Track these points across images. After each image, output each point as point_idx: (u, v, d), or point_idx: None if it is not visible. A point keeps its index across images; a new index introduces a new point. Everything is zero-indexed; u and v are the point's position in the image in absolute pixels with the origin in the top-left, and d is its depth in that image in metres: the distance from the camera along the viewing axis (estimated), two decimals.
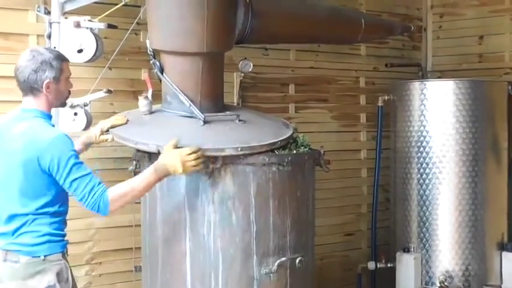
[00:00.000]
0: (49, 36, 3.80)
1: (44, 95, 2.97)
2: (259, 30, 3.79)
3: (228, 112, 3.66)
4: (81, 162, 2.93)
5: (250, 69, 4.13)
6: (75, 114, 3.85)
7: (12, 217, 2.94)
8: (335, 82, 5.45)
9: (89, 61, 3.83)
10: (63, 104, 3.20)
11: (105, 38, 4.14)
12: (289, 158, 3.48)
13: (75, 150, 2.95)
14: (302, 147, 3.64)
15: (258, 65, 4.95)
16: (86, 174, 2.90)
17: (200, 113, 3.45)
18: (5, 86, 3.96)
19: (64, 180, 2.89)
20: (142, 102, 3.59)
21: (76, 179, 2.88)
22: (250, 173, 3.39)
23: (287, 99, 5.17)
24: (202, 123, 3.44)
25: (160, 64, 3.57)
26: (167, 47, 3.55)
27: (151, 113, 3.60)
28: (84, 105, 3.87)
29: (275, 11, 3.94)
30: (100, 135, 3.45)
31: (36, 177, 2.91)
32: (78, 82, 4.15)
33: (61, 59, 3.03)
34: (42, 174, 2.90)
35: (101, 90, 3.93)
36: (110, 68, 4.34)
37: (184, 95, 3.49)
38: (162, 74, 3.56)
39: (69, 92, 3.14)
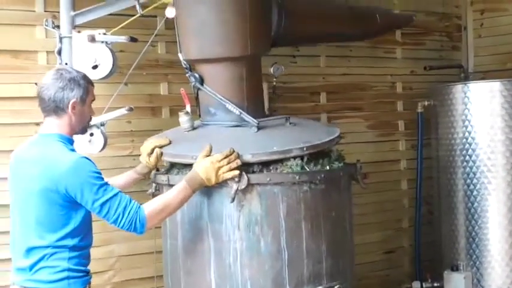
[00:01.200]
0: (59, 52, 3.53)
1: (68, 116, 2.76)
2: (292, 30, 3.55)
3: (279, 116, 3.42)
4: (107, 183, 2.70)
5: (282, 72, 3.84)
6: (91, 135, 3.57)
7: (30, 250, 2.70)
8: (370, 88, 5.09)
9: (104, 78, 3.55)
10: (84, 130, 2.96)
11: (121, 51, 3.89)
12: (322, 175, 3.14)
13: (99, 172, 2.71)
14: (336, 162, 3.29)
15: (286, 73, 4.59)
16: (115, 194, 2.69)
17: (253, 119, 3.21)
18: (14, 107, 3.74)
19: (92, 204, 2.65)
20: (184, 118, 3.34)
21: (106, 201, 2.66)
22: (279, 193, 3.06)
23: (318, 108, 4.83)
24: (256, 129, 3.20)
25: (199, 75, 3.32)
26: (208, 55, 3.31)
27: (193, 128, 3.35)
28: (101, 125, 3.59)
29: (305, 11, 3.68)
30: (151, 158, 3.21)
31: (54, 207, 2.66)
32: None
33: (88, 80, 2.84)
34: (62, 204, 2.66)
35: (118, 108, 3.66)
36: (126, 84, 4.08)
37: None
38: (202, 85, 3.31)
39: (91, 118, 2.94)
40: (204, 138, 3.20)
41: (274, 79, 3.89)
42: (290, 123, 3.30)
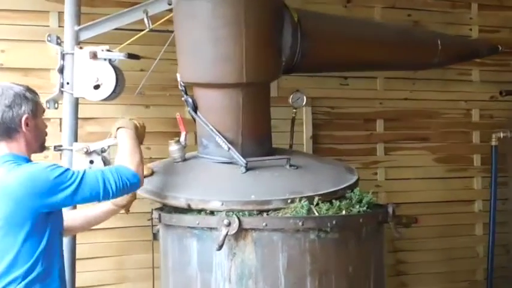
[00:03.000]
0: (61, 70, 3.20)
1: (22, 135, 2.43)
2: (313, 55, 2.99)
3: (276, 156, 2.90)
4: (68, 168, 2.40)
5: (303, 104, 3.33)
6: (91, 162, 3.18)
7: None
8: (438, 116, 4.40)
9: (107, 99, 3.17)
10: (43, 147, 2.60)
11: (141, 70, 3.52)
12: (334, 222, 2.57)
13: (53, 164, 2.39)
14: (357, 206, 2.70)
15: (335, 97, 4.11)
16: (84, 173, 2.39)
17: (241, 158, 2.76)
18: None
19: (72, 198, 2.35)
20: (173, 148, 3.00)
21: (81, 180, 2.35)
22: (278, 241, 2.55)
23: (374, 138, 4.22)
24: (243, 170, 2.75)
25: (193, 101, 2.92)
26: (199, 79, 2.88)
27: (184, 160, 2.96)
28: (102, 152, 3.22)
29: (331, 32, 3.09)
30: None
31: (17, 234, 2.31)
32: (102, 123, 3.62)
33: (33, 91, 2.53)
34: (27, 227, 2.30)
35: None
36: (146, 106, 3.72)
37: (223, 136, 2.83)
38: (196, 112, 2.90)
39: (47, 133, 2.58)
40: (185, 173, 2.79)
41: (294, 110, 3.35)
42: (291, 166, 2.79)
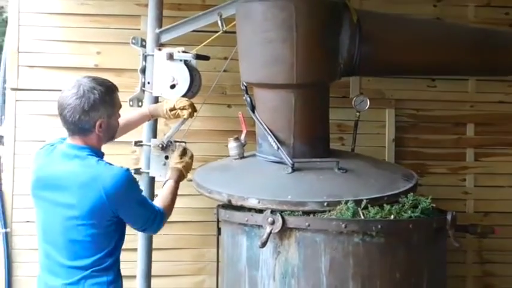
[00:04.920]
0: (143, 71, 3.41)
1: (95, 135, 2.54)
2: (373, 58, 2.96)
3: (324, 159, 2.91)
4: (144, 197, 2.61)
5: (366, 107, 3.27)
6: (166, 157, 3.37)
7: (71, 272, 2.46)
8: None
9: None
10: (113, 138, 2.71)
11: (225, 71, 3.65)
12: (380, 226, 2.54)
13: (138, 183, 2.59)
14: (409, 211, 2.64)
15: (421, 99, 3.98)
16: (153, 206, 2.58)
17: (288, 158, 2.82)
18: None
19: (137, 221, 2.54)
20: (232, 145, 3.12)
21: (145, 213, 2.54)
22: (321, 243, 2.57)
23: (463, 142, 4.03)
24: (290, 170, 2.81)
25: (251, 100, 3.01)
26: (253, 79, 2.99)
27: (241, 157, 3.08)
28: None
29: (394, 34, 3.02)
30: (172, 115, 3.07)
31: (99, 226, 2.46)
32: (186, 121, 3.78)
33: (112, 90, 2.58)
34: (106, 222, 2.46)
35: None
36: (228, 106, 3.86)
37: (274, 136, 2.91)
38: (254, 111, 3.02)
39: (118, 124, 2.69)
40: (237, 170, 2.89)
41: (357, 113, 3.31)
42: (339, 169, 2.79)
